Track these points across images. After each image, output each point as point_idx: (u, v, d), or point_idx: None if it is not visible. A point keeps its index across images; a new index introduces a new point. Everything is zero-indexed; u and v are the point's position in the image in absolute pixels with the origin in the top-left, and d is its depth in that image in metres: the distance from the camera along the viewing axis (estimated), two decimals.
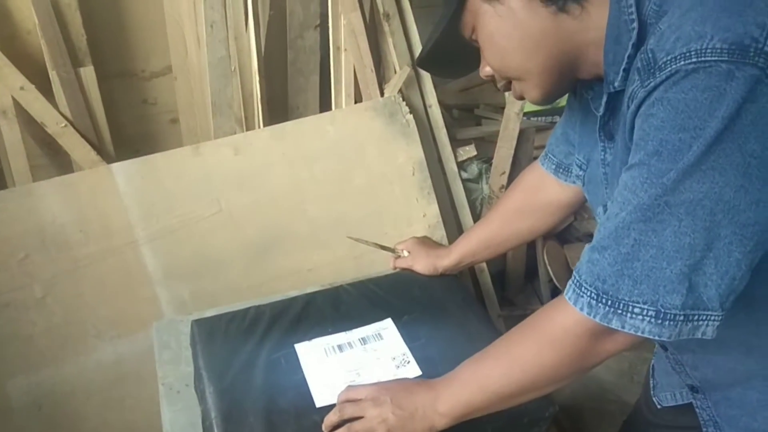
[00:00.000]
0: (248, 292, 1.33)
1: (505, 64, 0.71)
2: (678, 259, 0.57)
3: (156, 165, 1.34)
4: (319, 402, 0.83)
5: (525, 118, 1.73)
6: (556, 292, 1.89)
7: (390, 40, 1.56)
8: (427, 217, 1.50)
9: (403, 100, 1.52)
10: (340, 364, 0.89)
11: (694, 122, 0.55)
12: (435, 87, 1.62)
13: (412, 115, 1.52)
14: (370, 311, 0.98)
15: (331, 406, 0.79)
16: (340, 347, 0.92)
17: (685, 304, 0.58)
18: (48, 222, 1.27)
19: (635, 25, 0.63)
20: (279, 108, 1.59)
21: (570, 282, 0.66)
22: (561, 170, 0.98)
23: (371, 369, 0.88)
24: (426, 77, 1.61)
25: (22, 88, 1.29)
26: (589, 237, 2.00)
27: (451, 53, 0.78)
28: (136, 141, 1.50)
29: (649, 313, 0.59)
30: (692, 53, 0.54)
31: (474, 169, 1.68)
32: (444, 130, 1.62)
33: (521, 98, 0.75)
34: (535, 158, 1.81)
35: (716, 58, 0.53)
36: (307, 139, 1.44)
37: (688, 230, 0.57)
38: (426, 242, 1.23)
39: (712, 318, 0.59)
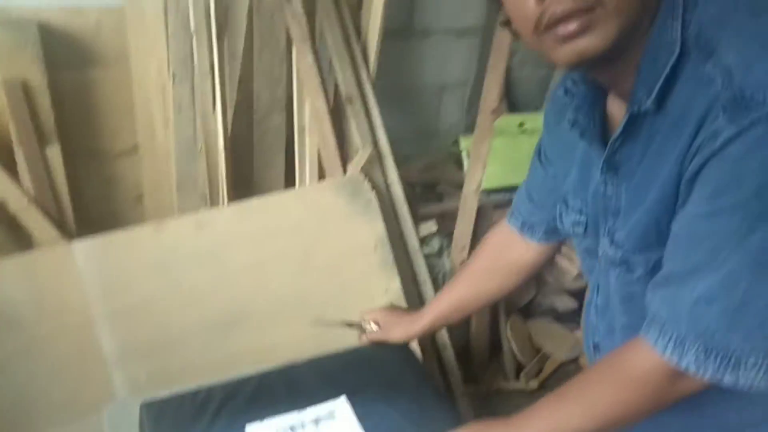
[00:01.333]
0: (207, 371, 1.30)
1: None
2: None
3: (117, 242, 1.34)
4: None
5: (484, 195, 1.79)
6: (520, 368, 1.89)
7: (353, 122, 1.62)
8: (389, 292, 1.52)
9: (366, 178, 1.57)
10: None
11: None
12: (397, 165, 1.68)
13: (374, 193, 1.56)
14: (324, 390, 0.97)
15: None
16: (292, 428, 0.91)
17: None
18: (3, 300, 1.25)
19: (677, 48, 0.60)
20: (244, 185, 1.62)
21: (667, 335, 0.62)
22: (526, 228, 0.99)
23: None
24: (388, 156, 1.67)
25: None
26: (553, 311, 2.02)
27: None
28: (101, 218, 1.50)
29: (763, 366, 0.58)
30: None
31: (435, 244, 1.71)
32: (406, 207, 1.67)
33: (576, 37, 0.60)
34: None
35: None
36: (271, 216, 1.46)
37: None
38: (394, 310, 1.23)
39: None
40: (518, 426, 0.74)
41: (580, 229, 0.83)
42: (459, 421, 0.97)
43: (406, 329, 1.13)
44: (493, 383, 1.84)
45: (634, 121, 0.65)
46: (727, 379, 0.59)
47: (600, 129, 0.73)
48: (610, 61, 0.63)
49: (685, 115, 0.59)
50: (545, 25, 0.60)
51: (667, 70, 0.60)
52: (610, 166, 0.71)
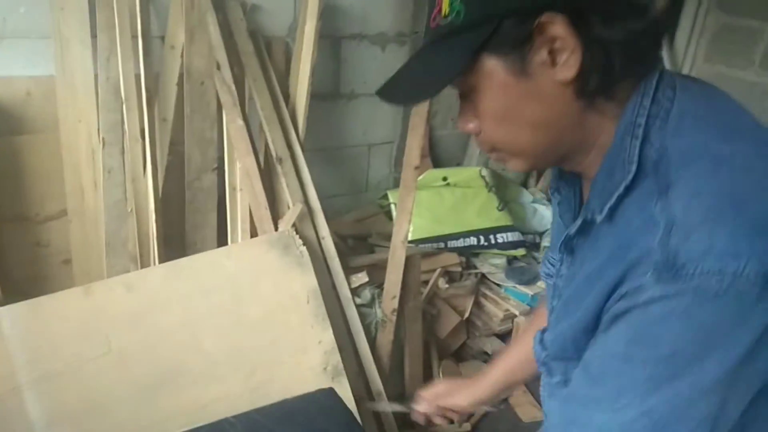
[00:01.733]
0: None
1: (507, 139, 0.65)
2: None
3: (43, 307, 1.34)
4: None
5: (412, 245, 1.88)
6: None
7: (283, 180, 1.69)
8: (322, 343, 1.56)
9: (297, 233, 1.63)
10: None
11: (715, 340, 0.53)
12: (329, 219, 1.75)
13: (305, 247, 1.62)
14: None
15: None
16: None
17: None
18: None
19: (633, 168, 0.59)
20: (177, 245, 1.65)
21: None
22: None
23: None
24: (318, 212, 1.74)
25: None
26: (483, 354, 2.11)
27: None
28: (27, 283, 1.49)
29: None
30: (727, 274, 0.51)
31: (367, 294, 1.78)
32: (337, 259, 1.73)
33: (500, 161, 0.68)
34: (424, 282, 1.96)
35: (750, 287, 0.51)
36: (203, 274, 1.49)
37: None
38: (450, 380, 1.14)
39: None
40: None
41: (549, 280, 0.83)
42: None
43: (471, 394, 1.06)
44: (428, 427, 1.88)
45: (587, 225, 0.66)
46: None
47: (578, 203, 0.74)
48: (562, 164, 0.68)
49: (624, 245, 0.58)
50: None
51: (621, 190, 0.59)
52: (568, 249, 0.71)
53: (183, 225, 1.67)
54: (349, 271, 1.77)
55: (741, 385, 0.55)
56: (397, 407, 1.19)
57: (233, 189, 1.67)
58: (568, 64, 0.58)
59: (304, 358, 1.53)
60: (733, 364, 0.53)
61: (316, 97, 1.79)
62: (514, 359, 1.04)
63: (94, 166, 1.51)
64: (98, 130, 1.50)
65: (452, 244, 2.10)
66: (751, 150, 0.57)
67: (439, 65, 0.63)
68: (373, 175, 2.27)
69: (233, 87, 1.63)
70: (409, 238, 1.83)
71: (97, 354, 1.34)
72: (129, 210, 1.52)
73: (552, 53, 0.59)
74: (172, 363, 1.40)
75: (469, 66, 0.61)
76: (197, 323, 1.45)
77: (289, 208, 1.70)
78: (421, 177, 2.15)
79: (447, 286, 2.02)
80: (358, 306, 1.75)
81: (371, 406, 1.21)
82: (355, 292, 1.76)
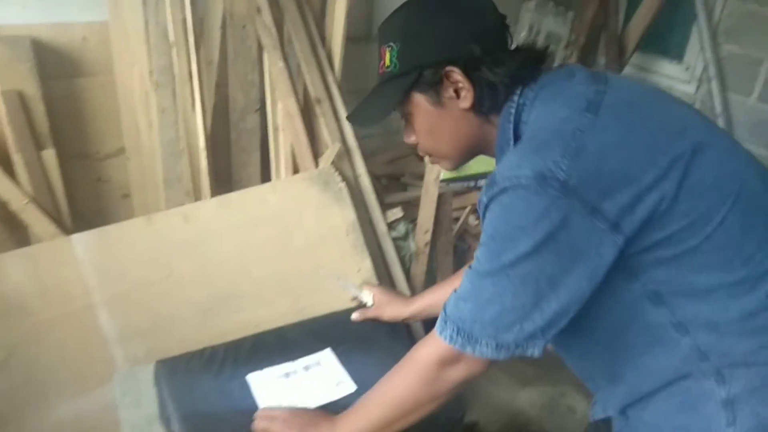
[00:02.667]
0: (199, 346, 1.44)
1: (434, 147, 0.98)
2: (513, 312, 0.82)
3: (111, 235, 1.47)
4: None
5: (443, 184, 1.97)
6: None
7: (322, 121, 1.78)
8: (361, 272, 1.68)
9: (336, 170, 1.73)
10: (287, 387, 1.03)
11: (518, 218, 0.80)
12: (364, 159, 1.84)
13: (344, 184, 1.72)
14: (311, 344, 1.14)
15: None
16: (286, 374, 1.07)
17: (516, 339, 0.83)
18: (9, 290, 1.36)
19: (512, 142, 0.90)
20: (224, 182, 1.76)
21: (439, 319, 0.90)
22: None
23: (313, 389, 1.03)
24: (355, 151, 1.83)
25: None
26: None
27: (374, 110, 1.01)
28: (91, 216, 1.63)
29: (491, 345, 0.84)
30: (513, 177, 0.80)
31: (401, 228, 1.88)
32: (373, 196, 1.83)
33: (434, 163, 1.04)
34: (455, 218, 2.06)
35: (526, 182, 0.78)
36: (251, 207, 1.61)
37: (521, 294, 0.81)
38: (388, 291, 1.40)
39: (537, 345, 0.84)
40: (340, 422, 0.96)
41: None
42: None
43: (397, 310, 1.31)
44: None
45: None
46: (468, 350, 0.85)
47: None
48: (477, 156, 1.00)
49: None
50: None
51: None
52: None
53: (229, 163, 1.78)
54: (384, 207, 1.87)
55: (548, 251, 0.79)
56: (354, 291, 1.42)
57: (275, 129, 1.76)
58: (467, 98, 0.90)
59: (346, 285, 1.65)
60: (533, 233, 0.78)
61: (350, 39, 1.85)
62: (452, 289, 1.30)
63: (148, 106, 1.62)
64: (150, 72, 1.60)
65: (482, 183, 2.18)
66: (560, 111, 0.84)
67: (384, 99, 0.95)
68: None
69: (274, 30, 1.70)
70: (441, 178, 1.92)
71: (160, 277, 1.48)
72: (181, 148, 1.63)
73: (456, 91, 0.90)
74: (225, 287, 1.54)
75: (404, 99, 0.93)
76: (247, 252, 1.58)
77: (327, 147, 1.79)
78: None
79: (477, 222, 2.12)
80: (393, 239, 1.85)
81: (340, 281, 1.47)
82: (390, 226, 1.87)
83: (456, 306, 0.87)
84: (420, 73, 0.90)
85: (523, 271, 0.80)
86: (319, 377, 1.07)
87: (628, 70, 2.61)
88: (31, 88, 1.47)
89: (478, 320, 0.84)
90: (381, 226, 1.84)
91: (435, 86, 0.91)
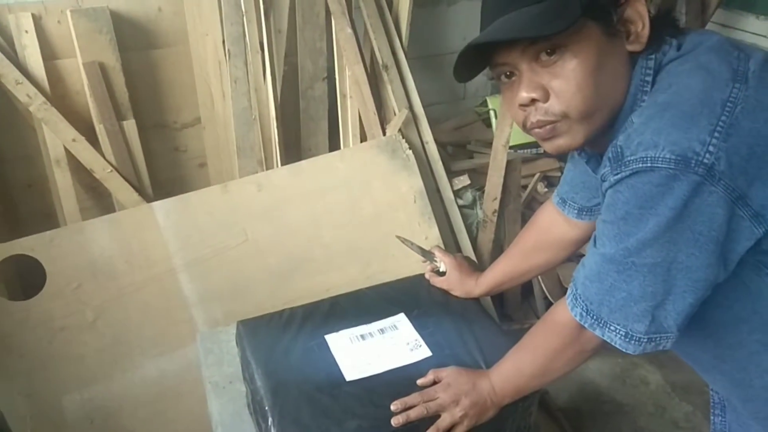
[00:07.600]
0: (274, 309, 1.49)
1: (580, 99, 0.76)
2: (642, 302, 0.76)
3: (190, 202, 1.53)
4: (349, 377, 1.01)
5: (511, 150, 1.93)
6: (550, 307, 2.04)
7: (389, 87, 1.77)
8: (428, 239, 1.68)
9: (403, 138, 1.73)
10: (364, 349, 1.05)
11: (650, 204, 0.71)
12: (430, 126, 1.83)
13: (411, 151, 1.71)
14: (386, 308, 1.15)
15: (358, 380, 0.97)
16: (362, 336, 1.09)
17: (648, 331, 0.77)
18: (97, 255, 1.44)
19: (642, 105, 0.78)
20: (294, 150, 1.79)
21: (570, 290, 0.85)
22: (564, 205, 1.12)
23: (389, 352, 1.05)
24: (422, 118, 1.82)
25: (73, 140, 1.49)
26: (580, 256, 2.16)
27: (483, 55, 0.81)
28: (169, 184, 1.69)
29: (620, 332, 0.78)
30: (648, 159, 0.70)
31: (468, 196, 1.86)
32: (440, 163, 1.82)
33: (549, 139, 0.81)
34: (523, 186, 2.02)
35: (665, 166, 0.69)
36: (321, 175, 1.63)
37: (650, 283, 0.74)
38: (462, 267, 1.35)
39: (670, 337, 0.77)
40: (494, 377, 0.96)
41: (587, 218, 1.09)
42: (500, 333, 1.14)
43: (467, 291, 1.28)
44: (526, 321, 2.00)
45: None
46: (597, 332, 0.80)
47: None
48: (593, 141, 0.82)
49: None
50: (527, 127, 0.81)
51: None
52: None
53: (299, 131, 1.81)
54: (451, 174, 1.86)
55: (682, 240, 0.71)
56: (426, 252, 1.41)
57: (343, 96, 1.77)
58: (642, 36, 0.76)
59: (412, 252, 1.66)
60: (665, 220, 0.70)
61: (416, 3, 1.82)
62: (513, 268, 1.26)
63: (222, 76, 1.65)
64: (223, 42, 1.63)
65: None
66: (702, 76, 0.72)
67: (551, 16, 0.72)
68: (472, 81, 2.29)
69: None
70: (510, 144, 1.88)
71: (237, 242, 1.53)
72: (253, 117, 1.66)
73: (629, 26, 0.76)
74: (298, 253, 1.57)
75: (573, 23, 0.72)
76: (318, 219, 1.60)
77: (395, 114, 1.78)
78: None
79: (546, 190, 2.07)
80: (460, 207, 1.84)
81: (402, 239, 1.45)
82: (457, 193, 1.85)
83: (584, 285, 0.81)
84: None
85: (652, 259, 0.73)
86: (394, 340, 1.09)
87: (710, 27, 2.46)
88: (111, 60, 1.52)
89: (605, 303, 0.78)
90: (448, 194, 1.82)
91: (611, 15, 0.75)
